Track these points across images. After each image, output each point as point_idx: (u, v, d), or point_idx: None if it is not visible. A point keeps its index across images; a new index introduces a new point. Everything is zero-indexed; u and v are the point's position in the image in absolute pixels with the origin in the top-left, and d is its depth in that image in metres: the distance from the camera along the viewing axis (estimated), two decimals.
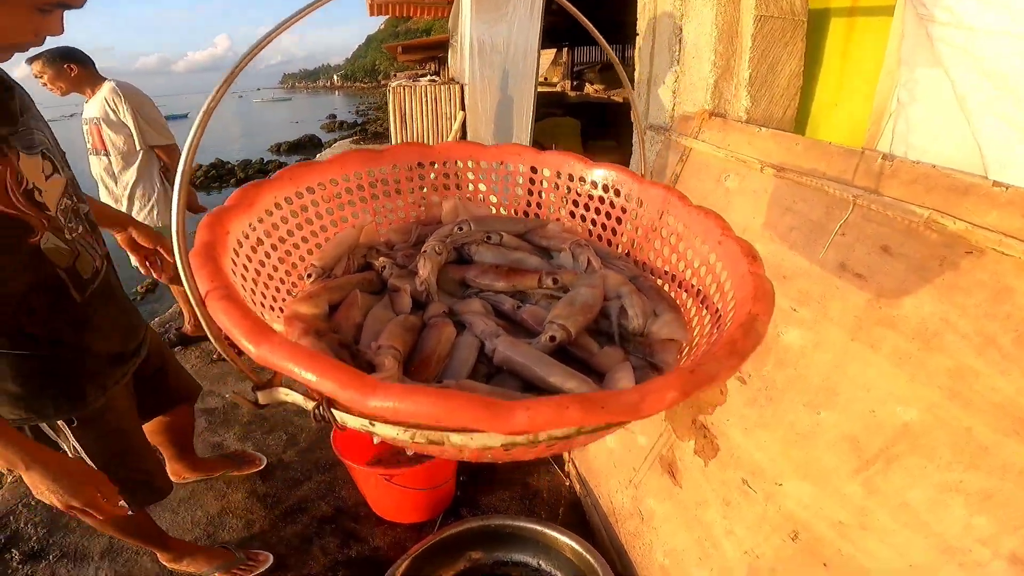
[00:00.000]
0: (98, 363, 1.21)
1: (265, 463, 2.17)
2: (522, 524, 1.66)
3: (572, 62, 12.01)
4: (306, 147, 13.65)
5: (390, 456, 1.97)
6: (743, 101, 1.44)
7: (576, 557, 1.58)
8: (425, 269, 0.80)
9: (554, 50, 10.24)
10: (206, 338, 2.78)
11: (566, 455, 2.02)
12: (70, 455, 1.21)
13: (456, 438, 0.50)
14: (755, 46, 1.41)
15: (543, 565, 1.65)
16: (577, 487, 1.94)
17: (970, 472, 0.82)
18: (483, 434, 0.48)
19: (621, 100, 6.79)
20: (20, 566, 1.76)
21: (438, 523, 1.85)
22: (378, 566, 1.65)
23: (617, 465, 1.68)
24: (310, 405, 0.52)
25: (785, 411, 1.12)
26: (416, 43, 10.37)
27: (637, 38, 1.84)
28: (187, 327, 3.07)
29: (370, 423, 0.51)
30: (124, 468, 1.31)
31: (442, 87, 5.64)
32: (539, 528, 1.64)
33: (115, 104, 2.49)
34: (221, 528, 1.88)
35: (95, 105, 2.51)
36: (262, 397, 0.55)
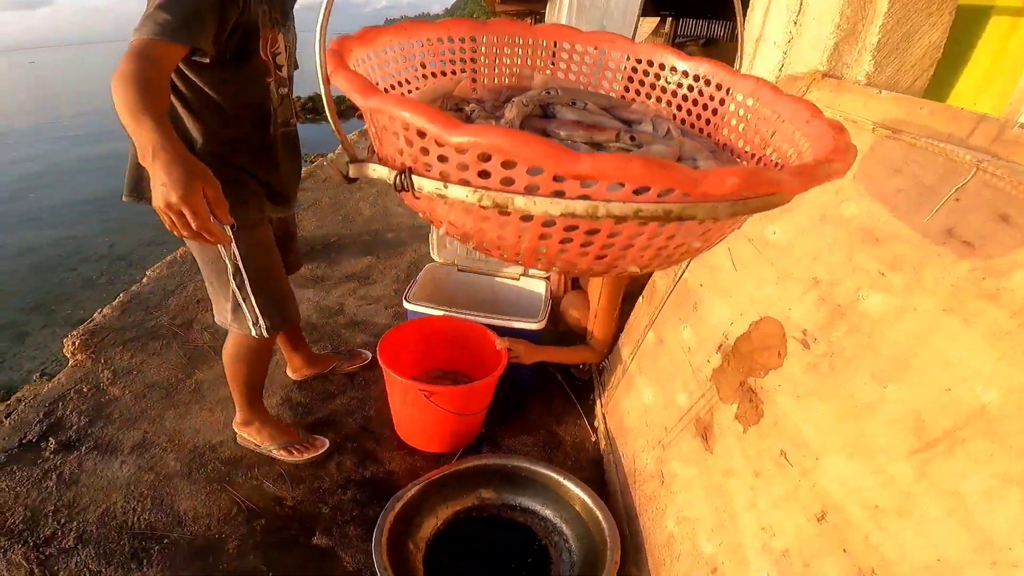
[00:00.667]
0: (268, 192, 1.48)
1: (370, 358, 2.24)
2: (539, 469, 1.63)
3: (675, 34, 11.42)
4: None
5: (430, 380, 1.99)
6: (865, 66, 1.31)
7: (585, 513, 1.53)
8: (511, 112, 0.80)
9: (656, 19, 9.75)
10: None
11: (599, 407, 1.96)
12: (225, 256, 1.41)
13: (520, 201, 0.52)
14: (890, 12, 1.28)
15: (549, 515, 1.61)
16: (603, 443, 1.89)
17: None
18: (546, 199, 0.51)
19: None
20: (52, 456, 1.80)
21: (457, 456, 1.84)
22: (389, 490, 1.63)
23: (649, 423, 1.61)
24: (393, 175, 0.60)
25: (847, 380, 1.01)
26: None
27: None
28: None
29: (443, 186, 0.56)
30: (270, 280, 1.50)
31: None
32: (555, 476, 1.59)
33: None
34: None
35: None
36: (353, 170, 0.64)
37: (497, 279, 2.28)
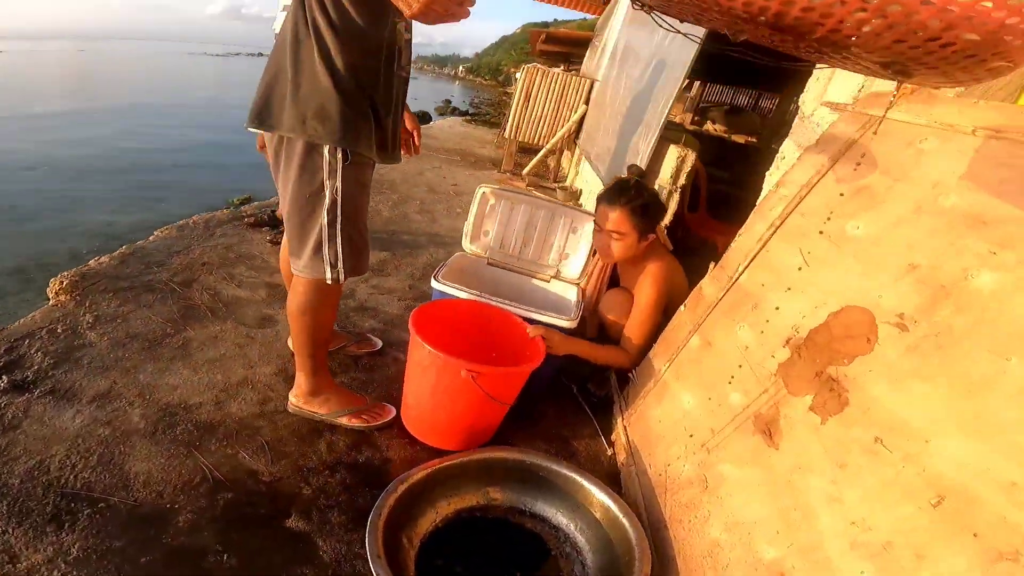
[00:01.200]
0: (382, 135, 1.49)
1: (380, 345, 2.12)
2: (560, 470, 1.48)
3: (700, 98, 11.99)
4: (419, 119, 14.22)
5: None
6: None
7: (608, 521, 1.39)
8: None
9: (684, 82, 10.25)
10: None
11: (619, 421, 1.85)
12: (328, 188, 1.42)
13: None
14: None
15: (563, 523, 1.46)
16: (621, 456, 1.77)
17: None
18: None
19: (743, 141, 6.65)
20: None
21: None
22: (384, 478, 1.48)
23: (689, 428, 1.51)
24: None
25: (959, 358, 0.95)
26: (561, 34, 10.55)
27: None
28: (279, 212, 3.12)
29: None
30: (359, 224, 1.51)
31: (572, 76, 5.67)
32: (578, 478, 1.45)
33: None
34: (234, 398, 1.74)
35: None
36: None
37: (528, 278, 2.20)
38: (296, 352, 1.65)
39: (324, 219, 1.44)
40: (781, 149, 1.91)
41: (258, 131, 1.46)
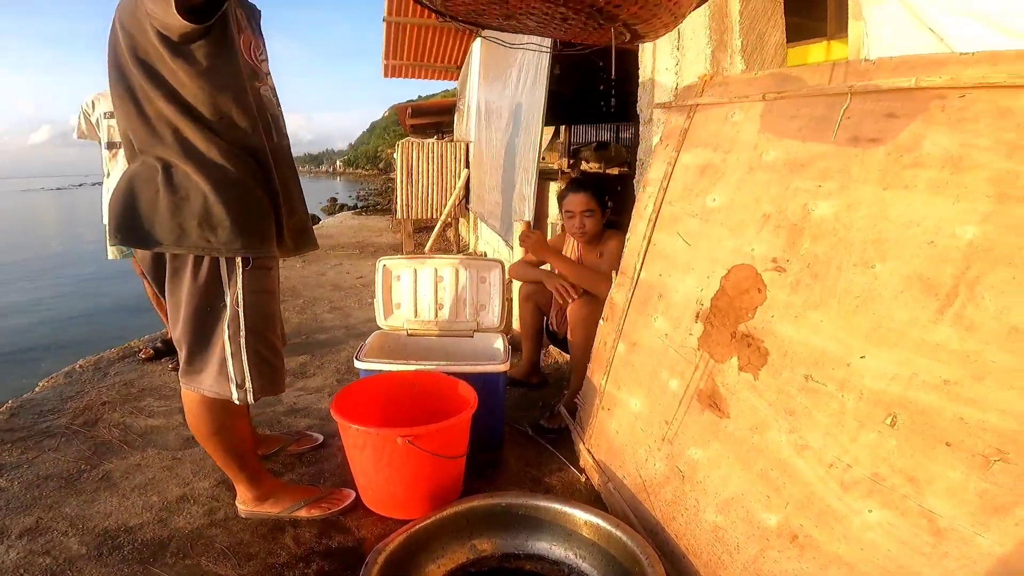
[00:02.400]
0: (284, 220, 1.40)
1: (321, 439, 2.04)
2: (538, 503, 1.46)
3: (569, 142, 12.80)
4: None
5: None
6: (738, 65, 1.64)
7: (602, 538, 1.36)
8: None
9: (551, 129, 10.99)
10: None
11: (581, 445, 1.87)
12: (228, 300, 1.31)
13: None
14: (742, 20, 1.64)
15: (561, 556, 1.42)
16: (595, 478, 1.78)
17: None
18: None
19: (616, 172, 7.13)
20: None
21: None
22: (362, 558, 1.39)
23: (645, 428, 1.56)
24: None
25: (835, 281, 1.08)
26: (425, 105, 10.99)
27: (639, 43, 2.08)
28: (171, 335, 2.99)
29: None
30: (269, 332, 1.39)
31: (448, 144, 5.88)
32: (559, 507, 1.43)
33: None
34: (177, 514, 1.64)
35: None
36: None
37: (449, 338, 2.22)
38: (224, 467, 1.56)
39: (225, 334, 1.33)
40: (639, 158, 2.12)
41: (124, 253, 1.37)
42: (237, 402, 1.37)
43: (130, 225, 1.28)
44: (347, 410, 1.59)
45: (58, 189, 64.87)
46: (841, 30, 2.52)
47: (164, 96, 1.23)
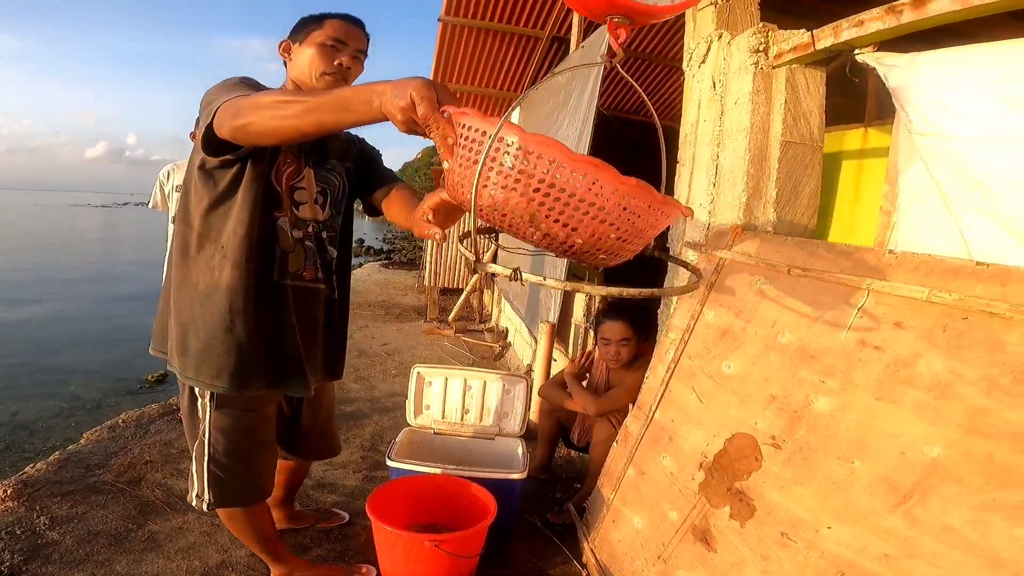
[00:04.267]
0: (274, 362, 1.42)
1: (347, 519, 2.20)
2: None
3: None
4: None
5: (425, 524, 1.99)
6: (770, 217, 1.76)
7: None
8: None
9: None
10: None
11: (585, 544, 2.03)
12: (200, 428, 1.43)
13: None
14: (780, 168, 1.75)
15: None
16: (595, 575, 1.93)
17: (1002, 491, 0.98)
18: None
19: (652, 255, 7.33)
20: None
21: None
22: None
23: (644, 544, 1.72)
24: (508, 272, 0.80)
25: (820, 466, 1.27)
26: None
27: (678, 166, 2.22)
28: None
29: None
30: (236, 465, 1.46)
31: None
32: None
33: None
34: None
35: None
36: (478, 268, 0.85)
37: (473, 439, 2.41)
38: (250, 547, 1.72)
39: (194, 452, 1.47)
40: (664, 298, 2.30)
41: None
42: (195, 506, 1.50)
43: (159, 335, 1.47)
44: (380, 507, 1.79)
45: (103, 207, 67.11)
46: (881, 115, 2.63)
47: (182, 217, 1.36)
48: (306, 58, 1.37)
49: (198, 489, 1.48)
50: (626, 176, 0.81)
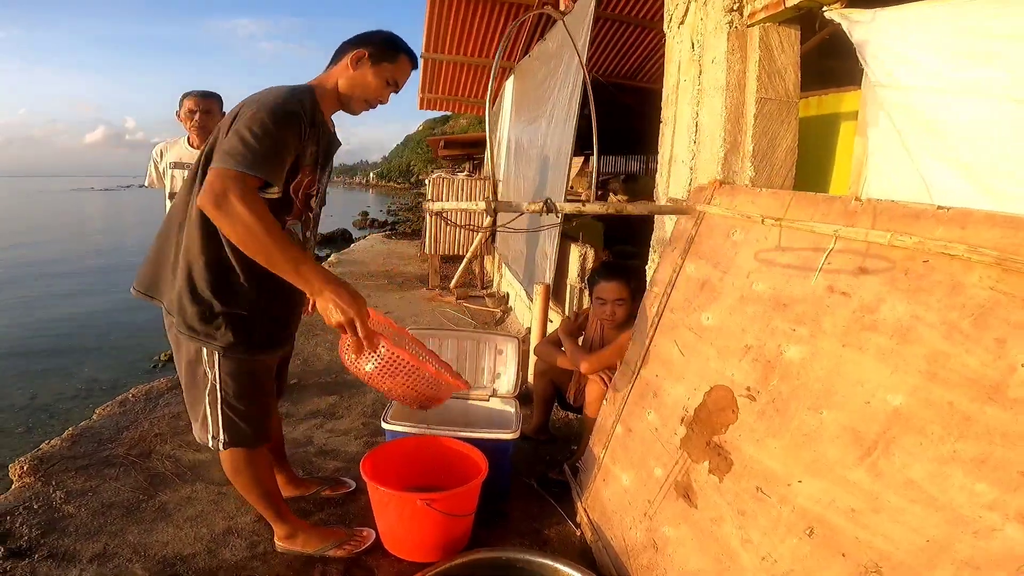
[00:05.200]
0: (277, 329, 1.64)
1: (354, 487, 2.26)
2: (536, 559, 1.68)
3: (599, 171, 12.85)
4: (337, 241, 14.44)
5: (420, 486, 2.03)
6: (748, 171, 1.74)
7: None
8: None
9: (582, 159, 11.19)
10: None
11: (579, 504, 2.08)
12: (209, 376, 1.55)
13: None
14: (757, 124, 1.74)
15: None
16: (588, 535, 1.99)
17: (961, 442, 0.96)
18: None
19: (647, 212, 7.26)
20: (1, 561, 1.76)
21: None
22: None
23: (632, 502, 1.76)
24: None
25: (791, 417, 1.28)
26: (458, 138, 11.34)
27: (661, 125, 2.20)
28: None
29: None
30: (244, 403, 1.59)
31: (477, 182, 6.10)
32: (549, 563, 1.66)
33: None
34: (224, 546, 1.89)
35: None
36: None
37: (468, 402, 2.45)
38: (254, 505, 1.80)
39: (207, 399, 1.57)
40: (652, 245, 2.30)
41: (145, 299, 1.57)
42: (212, 448, 1.63)
43: (152, 283, 1.58)
44: (375, 469, 1.84)
45: (105, 190, 67.20)
46: None
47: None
48: (367, 83, 1.57)
49: (213, 431, 1.60)
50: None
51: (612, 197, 10.93)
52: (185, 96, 2.87)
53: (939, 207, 1.09)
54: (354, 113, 1.67)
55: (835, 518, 1.12)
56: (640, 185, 11.42)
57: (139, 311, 7.98)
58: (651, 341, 1.87)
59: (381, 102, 1.63)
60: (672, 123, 2.13)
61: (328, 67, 1.62)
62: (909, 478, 1.02)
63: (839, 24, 1.47)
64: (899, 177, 1.36)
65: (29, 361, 5.69)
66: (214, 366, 1.54)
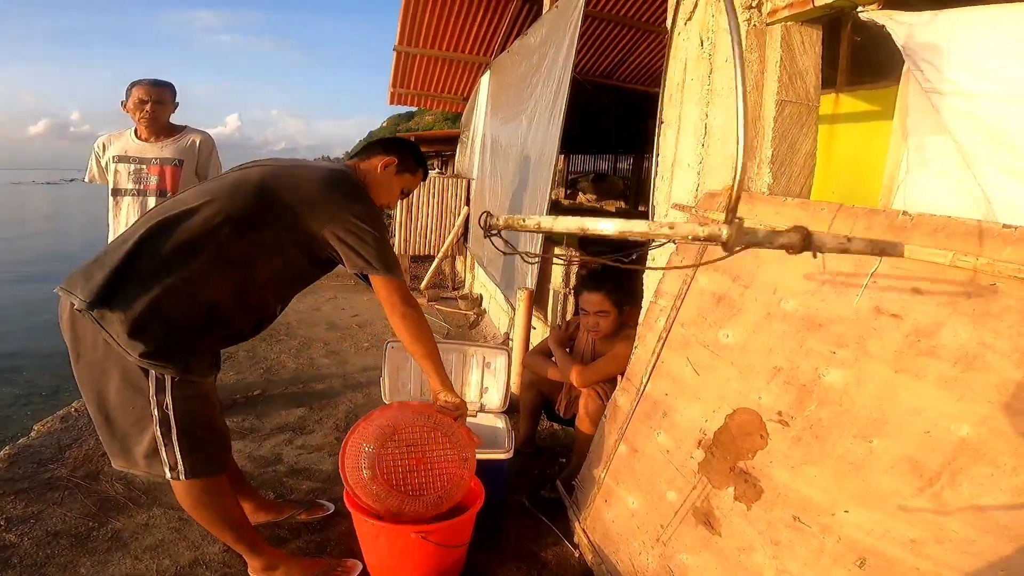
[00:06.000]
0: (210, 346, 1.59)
1: (332, 510, 2.07)
2: None
3: (567, 171, 12.86)
4: None
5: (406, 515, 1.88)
6: (765, 177, 1.65)
7: None
8: None
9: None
10: None
11: (577, 524, 1.95)
12: (156, 405, 1.44)
13: None
14: (776, 127, 1.64)
15: None
16: (588, 557, 1.87)
17: None
18: None
19: (613, 210, 7.19)
20: None
21: None
22: None
23: (640, 526, 1.65)
24: None
25: (834, 444, 1.18)
26: (429, 135, 11.05)
27: (662, 127, 2.09)
28: None
29: None
30: (199, 428, 1.50)
31: (449, 180, 5.93)
32: None
33: (208, 155, 2.72)
34: None
35: (174, 148, 2.65)
36: None
37: None
38: (222, 539, 1.65)
39: (156, 430, 1.44)
40: (650, 254, 2.18)
41: (72, 299, 1.38)
42: (171, 480, 1.50)
43: (98, 296, 1.42)
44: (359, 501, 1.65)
45: (48, 183, 63.58)
46: (851, 81, 2.51)
47: (230, 233, 1.44)
48: (390, 190, 1.76)
49: (170, 461, 1.48)
50: None
51: (581, 196, 10.97)
52: (134, 85, 2.62)
53: (1005, 226, 1.02)
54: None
55: (891, 548, 1.05)
56: (608, 184, 11.53)
57: None
58: (658, 357, 1.76)
59: (391, 208, 1.89)
60: (676, 124, 2.03)
61: (359, 158, 1.78)
62: (980, 507, 0.95)
63: (874, 25, 1.38)
64: (948, 190, 1.28)
65: None
66: (165, 392, 1.43)
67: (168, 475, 1.48)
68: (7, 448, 2.39)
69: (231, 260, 1.45)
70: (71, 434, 2.55)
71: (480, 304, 5.07)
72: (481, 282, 5.09)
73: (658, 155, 2.13)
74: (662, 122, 2.12)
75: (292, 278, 1.63)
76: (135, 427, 1.45)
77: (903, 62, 1.35)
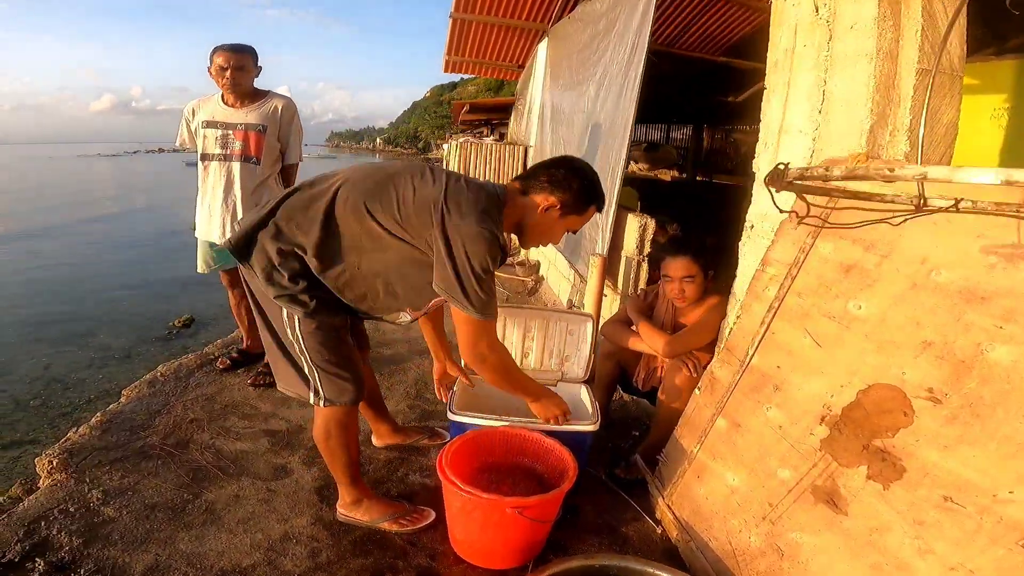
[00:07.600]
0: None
1: (448, 437, 2.16)
2: (633, 566, 1.53)
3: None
4: None
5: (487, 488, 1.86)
6: (901, 146, 1.52)
7: None
8: None
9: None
10: (261, 356, 2.80)
11: (660, 500, 1.90)
12: (292, 335, 1.62)
13: None
14: (915, 96, 1.51)
15: None
16: (673, 533, 1.82)
17: None
18: None
19: (669, 179, 6.98)
20: None
21: (531, 567, 1.68)
22: None
23: (742, 503, 1.58)
24: None
25: (999, 424, 1.09)
26: (484, 102, 10.95)
27: (766, 92, 1.95)
28: (247, 346, 3.01)
29: None
30: (328, 355, 1.64)
31: (507, 147, 5.83)
32: (655, 572, 1.50)
33: (290, 121, 2.72)
34: (283, 555, 1.70)
35: (259, 114, 2.65)
36: None
37: None
38: (330, 468, 1.82)
39: (301, 360, 1.65)
40: (748, 219, 2.05)
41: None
42: (312, 404, 1.70)
43: (244, 248, 1.60)
44: (453, 468, 1.64)
45: (113, 156, 65.91)
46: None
47: (380, 229, 1.54)
48: (552, 232, 1.67)
49: (314, 388, 1.67)
50: None
51: (633, 165, 10.70)
52: (215, 51, 2.60)
53: None
54: (524, 247, 1.80)
55: None
56: (661, 153, 11.20)
57: (149, 275, 7.77)
58: (768, 328, 1.65)
59: (554, 243, 1.75)
60: (783, 90, 1.91)
61: (522, 183, 1.63)
62: None
63: None
64: None
65: (38, 328, 5.45)
66: (295, 327, 1.61)
67: (311, 400, 1.68)
68: (100, 414, 2.43)
69: (355, 245, 1.57)
70: (159, 400, 2.59)
71: (538, 271, 5.00)
72: (540, 249, 5.02)
73: (762, 121, 2.01)
74: (765, 87, 1.99)
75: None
76: (289, 356, 1.66)
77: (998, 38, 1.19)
